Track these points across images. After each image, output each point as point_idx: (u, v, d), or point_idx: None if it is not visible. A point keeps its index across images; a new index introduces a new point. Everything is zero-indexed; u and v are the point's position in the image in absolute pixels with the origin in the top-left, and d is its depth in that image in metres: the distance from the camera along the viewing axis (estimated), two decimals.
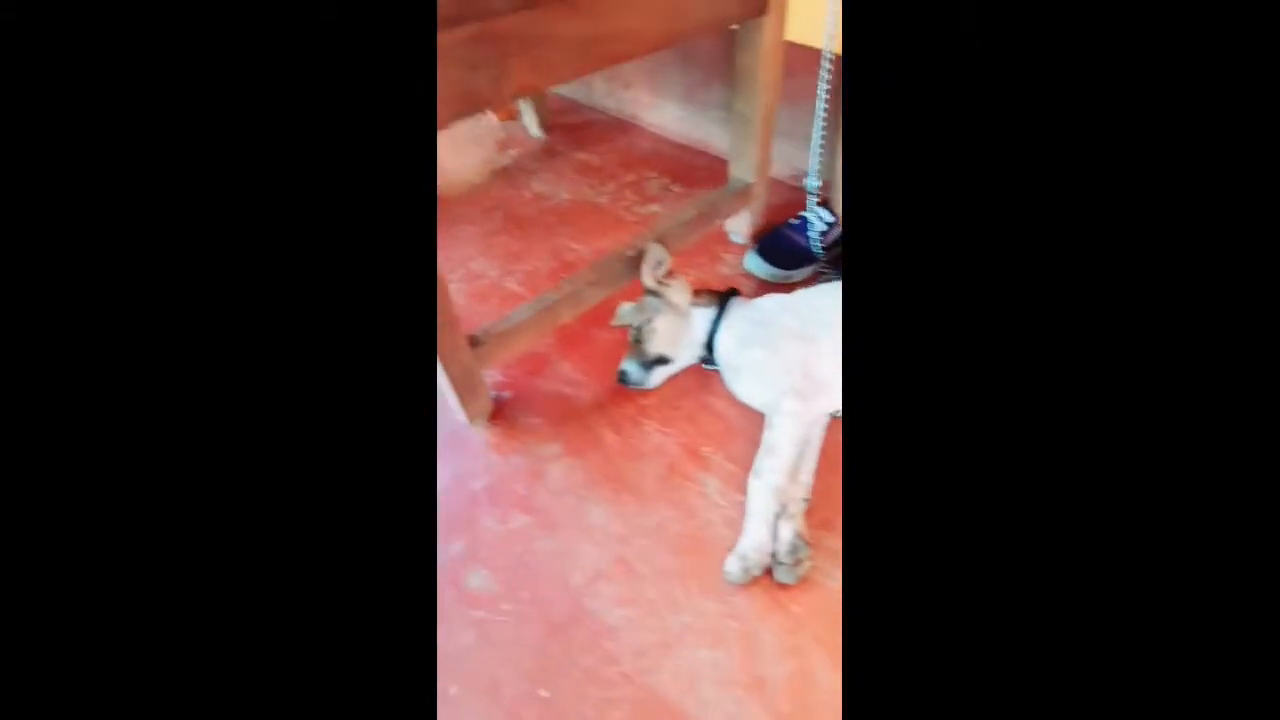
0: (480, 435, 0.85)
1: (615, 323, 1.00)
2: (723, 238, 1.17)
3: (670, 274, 0.90)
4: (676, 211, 1.03)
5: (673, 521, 0.74)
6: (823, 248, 1.05)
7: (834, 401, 0.82)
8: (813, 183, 0.99)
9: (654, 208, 1.29)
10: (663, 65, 1.46)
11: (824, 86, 0.91)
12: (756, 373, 0.81)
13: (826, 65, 0.88)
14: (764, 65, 0.90)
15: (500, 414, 0.87)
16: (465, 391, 0.80)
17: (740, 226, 1.14)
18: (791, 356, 0.79)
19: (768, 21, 0.86)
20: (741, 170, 1.06)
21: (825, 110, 0.93)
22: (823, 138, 0.96)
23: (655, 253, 0.88)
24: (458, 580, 0.70)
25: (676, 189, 1.34)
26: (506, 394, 0.91)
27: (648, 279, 0.89)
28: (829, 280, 1.03)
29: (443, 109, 0.55)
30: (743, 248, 1.14)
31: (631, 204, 1.30)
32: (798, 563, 0.67)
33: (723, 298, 0.90)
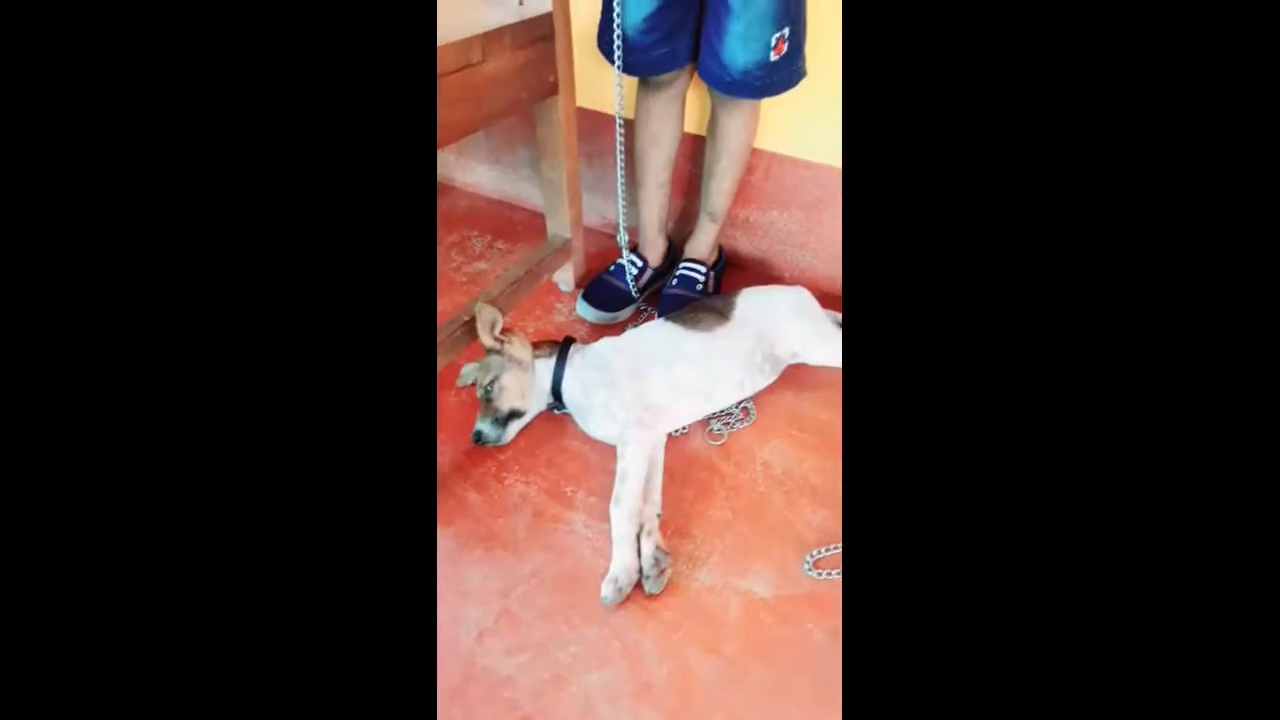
0: None
1: (460, 383, 1.03)
2: (554, 289, 1.26)
3: (506, 331, 0.96)
4: (504, 271, 1.10)
5: (548, 564, 0.79)
6: (638, 289, 1.18)
7: (672, 423, 0.94)
8: (623, 237, 1.12)
9: (481, 265, 1.34)
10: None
11: (620, 154, 1.03)
12: (603, 412, 0.90)
13: (620, 133, 1.01)
14: (562, 136, 1.01)
15: None
16: None
17: (567, 277, 1.23)
18: (630, 392, 0.90)
19: (560, 100, 0.97)
20: (558, 227, 1.16)
21: (623, 173, 1.06)
22: (624, 195, 1.08)
23: (486, 314, 0.94)
24: None
25: (500, 245, 1.40)
26: None
27: (486, 339, 0.94)
28: (651, 318, 1.16)
29: None
30: (571, 295, 1.24)
31: (460, 264, 1.34)
32: (661, 572, 0.76)
33: (561, 347, 0.98)
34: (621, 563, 0.76)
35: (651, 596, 0.76)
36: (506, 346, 0.95)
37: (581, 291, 1.19)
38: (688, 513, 0.85)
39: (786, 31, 0.85)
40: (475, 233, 1.44)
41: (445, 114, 0.74)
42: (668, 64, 0.95)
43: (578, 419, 0.96)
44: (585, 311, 1.16)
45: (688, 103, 1.08)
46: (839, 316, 1.09)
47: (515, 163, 1.50)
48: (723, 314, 1.00)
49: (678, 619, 0.74)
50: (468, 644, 0.71)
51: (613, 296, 1.17)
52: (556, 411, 0.98)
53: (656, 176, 1.12)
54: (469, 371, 1.02)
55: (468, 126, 0.79)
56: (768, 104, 1.06)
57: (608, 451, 0.93)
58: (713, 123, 1.06)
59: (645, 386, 0.91)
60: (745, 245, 1.30)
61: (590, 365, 0.95)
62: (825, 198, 1.16)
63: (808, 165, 1.16)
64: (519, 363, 0.94)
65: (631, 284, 1.16)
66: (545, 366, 0.96)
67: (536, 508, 0.86)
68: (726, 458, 0.93)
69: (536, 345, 0.99)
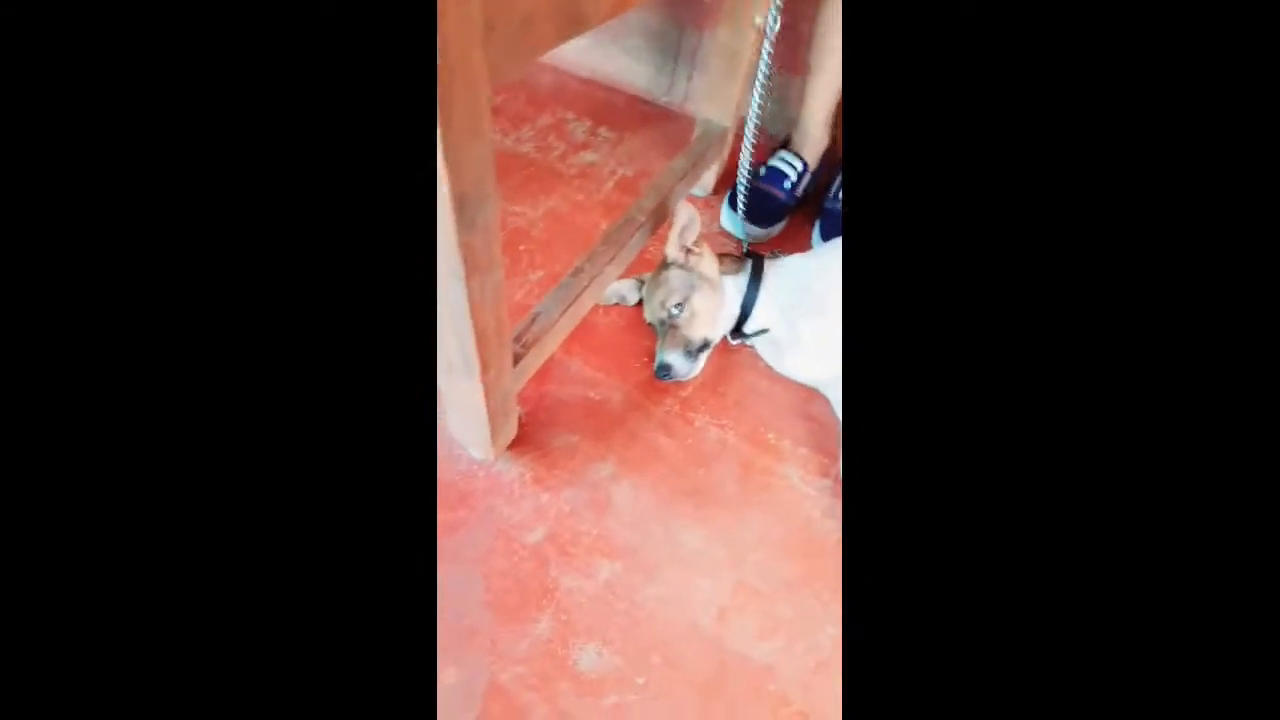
0: (512, 471, 0.66)
1: (605, 302, 0.85)
2: None
3: (696, 241, 0.78)
4: (668, 163, 0.89)
5: (773, 526, 0.66)
6: (797, 197, 1.00)
7: None
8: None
9: (589, 156, 1.11)
10: None
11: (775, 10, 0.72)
12: (816, 345, 0.74)
13: None
14: None
15: (523, 439, 0.69)
16: (499, 420, 0.61)
17: (706, 179, 1.03)
18: None
19: None
20: (716, 112, 0.94)
21: (771, 48, 0.74)
22: (768, 73, 0.77)
23: (684, 214, 0.75)
24: (565, 665, 0.55)
25: (605, 133, 1.17)
26: (521, 411, 0.72)
27: (674, 249, 0.76)
28: (804, 236, 0.99)
29: None
30: (707, 202, 1.04)
31: (563, 153, 1.11)
32: None
33: (755, 263, 0.80)
34: None
35: None
36: (694, 260, 0.76)
37: (725, 198, 0.99)
38: None
39: None
40: (572, 115, 1.19)
41: None
42: None
43: (767, 353, 0.80)
44: (731, 224, 0.97)
45: None
46: None
47: (620, 30, 1.23)
48: None
49: None
50: (709, 624, 0.59)
51: (765, 207, 0.98)
52: (734, 341, 0.82)
53: (839, 58, 0.90)
54: (617, 289, 0.84)
55: None
56: None
57: (803, 394, 0.78)
58: None
59: None
60: None
61: (790, 288, 0.78)
62: None
63: None
64: (709, 281, 0.77)
65: (791, 190, 0.98)
66: (735, 286, 0.78)
67: (742, 458, 0.72)
68: None
69: (720, 259, 0.81)
